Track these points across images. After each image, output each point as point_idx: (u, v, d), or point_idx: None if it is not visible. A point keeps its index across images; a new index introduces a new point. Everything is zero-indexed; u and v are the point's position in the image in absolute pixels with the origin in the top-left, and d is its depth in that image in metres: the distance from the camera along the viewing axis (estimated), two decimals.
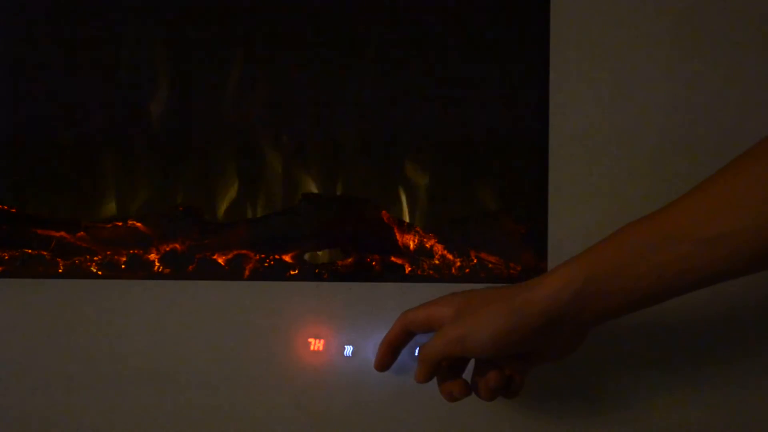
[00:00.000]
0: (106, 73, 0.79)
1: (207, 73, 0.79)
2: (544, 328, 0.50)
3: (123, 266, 0.74)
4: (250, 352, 0.67)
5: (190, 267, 0.74)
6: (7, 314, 0.70)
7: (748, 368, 0.64)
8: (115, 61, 0.79)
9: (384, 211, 0.76)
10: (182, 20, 0.79)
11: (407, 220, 0.77)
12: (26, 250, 0.75)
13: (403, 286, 0.68)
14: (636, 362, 0.65)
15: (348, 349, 0.66)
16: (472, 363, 0.57)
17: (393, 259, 0.74)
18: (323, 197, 0.77)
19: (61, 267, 0.75)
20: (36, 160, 0.80)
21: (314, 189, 0.77)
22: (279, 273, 0.74)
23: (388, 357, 0.59)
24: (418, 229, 0.76)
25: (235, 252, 0.74)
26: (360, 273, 0.73)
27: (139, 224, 0.76)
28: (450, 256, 0.74)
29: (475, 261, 0.73)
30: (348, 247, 0.75)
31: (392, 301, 0.65)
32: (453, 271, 0.73)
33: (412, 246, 0.75)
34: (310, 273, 0.73)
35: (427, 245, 0.75)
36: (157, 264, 0.74)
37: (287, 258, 0.74)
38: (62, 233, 0.76)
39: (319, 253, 0.76)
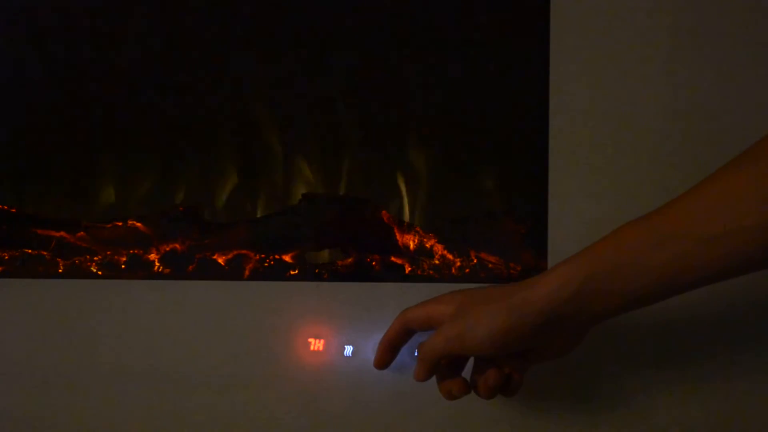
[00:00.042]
0: (105, 72, 0.79)
1: (207, 72, 0.79)
2: (543, 326, 0.50)
3: (123, 266, 0.74)
4: (250, 352, 0.67)
5: (190, 267, 0.74)
6: (7, 314, 0.70)
7: (748, 368, 0.64)
8: (114, 61, 0.79)
9: (384, 211, 0.76)
10: (183, 19, 0.79)
11: (407, 220, 0.77)
12: (26, 250, 0.75)
13: (403, 286, 0.68)
14: (636, 362, 0.65)
15: (348, 349, 0.66)
16: (471, 361, 0.57)
17: (393, 259, 0.74)
18: (323, 197, 0.77)
19: (61, 267, 0.75)
20: (36, 160, 0.80)
21: (314, 189, 0.77)
22: (279, 273, 0.74)
23: (387, 355, 0.59)
24: (418, 229, 0.76)
25: (235, 252, 0.74)
26: (360, 273, 0.73)
27: (139, 224, 0.76)
28: (450, 256, 0.74)
29: (475, 261, 0.73)
30: (348, 247, 0.75)
31: (392, 301, 0.65)
32: (453, 271, 0.73)
33: (412, 246, 0.75)
34: (310, 273, 0.73)
35: (427, 245, 0.75)
36: (157, 264, 0.74)
37: (287, 258, 0.74)
38: (62, 233, 0.76)
39: (319, 253, 0.76)
